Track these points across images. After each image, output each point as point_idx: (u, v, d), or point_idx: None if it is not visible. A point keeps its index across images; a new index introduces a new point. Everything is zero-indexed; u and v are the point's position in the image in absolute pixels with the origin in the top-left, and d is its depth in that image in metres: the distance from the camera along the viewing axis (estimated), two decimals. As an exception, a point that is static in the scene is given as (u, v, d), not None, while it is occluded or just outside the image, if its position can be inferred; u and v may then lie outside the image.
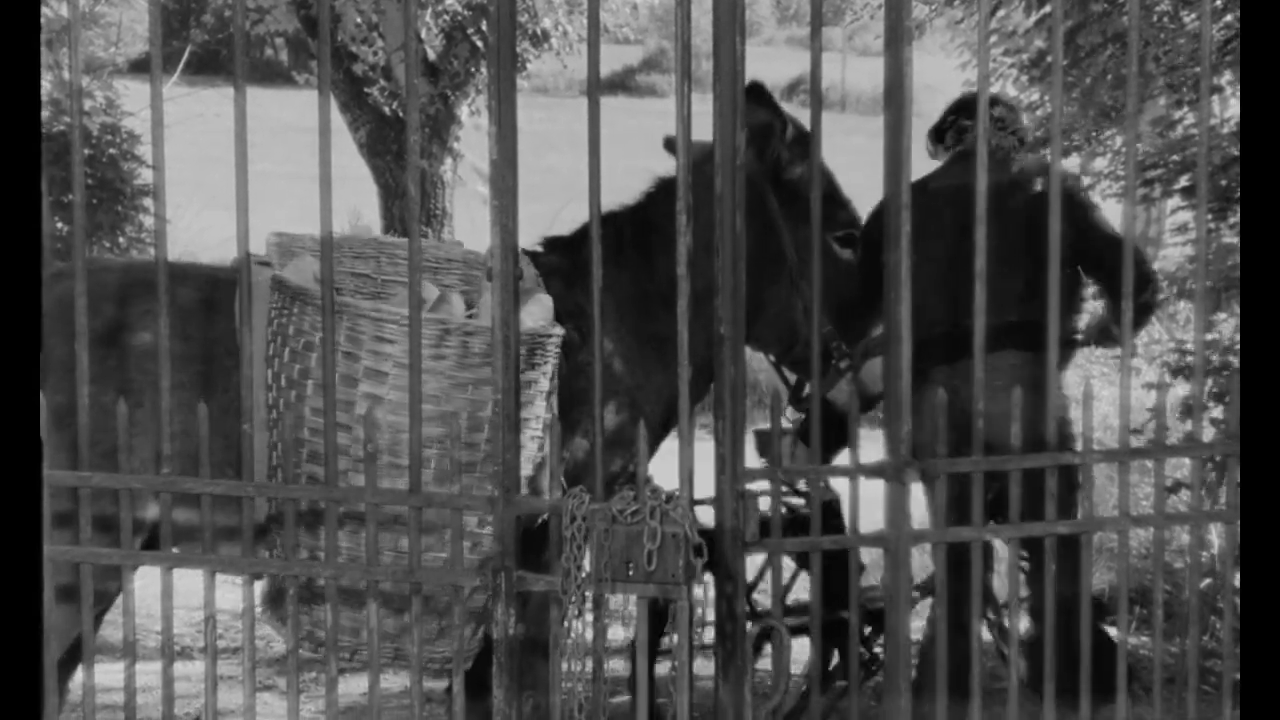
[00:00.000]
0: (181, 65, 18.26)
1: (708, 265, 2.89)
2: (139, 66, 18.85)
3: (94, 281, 3.42)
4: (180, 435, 3.19)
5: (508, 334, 2.88)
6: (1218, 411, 5.40)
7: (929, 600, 4.30)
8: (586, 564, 2.87)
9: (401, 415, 3.29)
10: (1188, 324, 9.21)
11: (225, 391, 3.61)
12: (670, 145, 4.16)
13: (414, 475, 2.99)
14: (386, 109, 11.45)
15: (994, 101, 5.59)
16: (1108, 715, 3.20)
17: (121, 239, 16.35)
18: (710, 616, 3.27)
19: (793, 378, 4.49)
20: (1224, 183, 5.21)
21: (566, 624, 2.85)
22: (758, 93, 4.03)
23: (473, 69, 11.40)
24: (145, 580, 3.55)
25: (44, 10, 12.59)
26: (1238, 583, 3.07)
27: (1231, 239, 5.61)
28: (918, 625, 4.76)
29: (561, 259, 4.06)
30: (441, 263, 4.05)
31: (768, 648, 4.51)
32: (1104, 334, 4.91)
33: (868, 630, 4.94)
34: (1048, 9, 6.57)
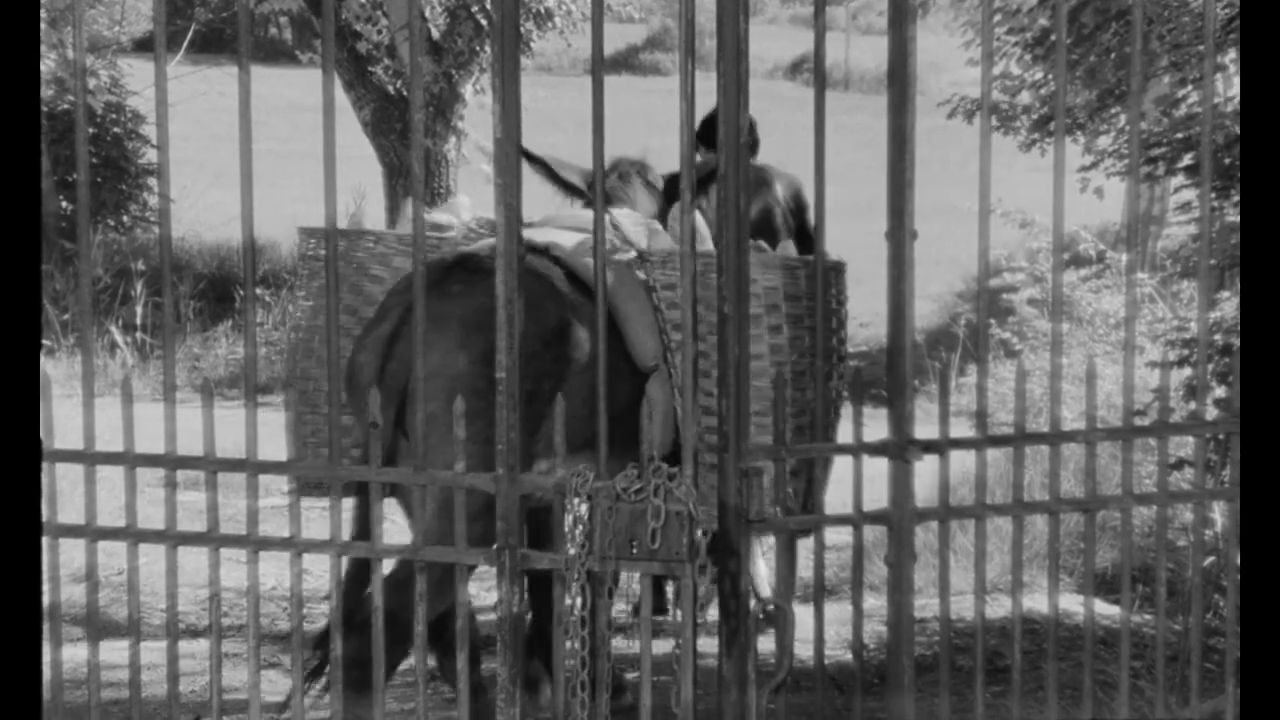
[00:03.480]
0: (186, 44, 18.23)
1: None
2: (143, 45, 18.80)
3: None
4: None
5: (511, 313, 2.89)
6: (1221, 391, 5.39)
7: None
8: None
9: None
10: (1191, 302, 9.20)
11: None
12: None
13: (419, 453, 3.00)
14: (390, 88, 11.43)
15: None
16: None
17: (125, 217, 16.38)
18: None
19: None
20: (1227, 161, 5.19)
21: (570, 601, 2.86)
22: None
23: (476, 47, 11.37)
24: (149, 559, 3.57)
25: (47, -11, 12.57)
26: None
27: (1235, 217, 5.59)
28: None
29: None
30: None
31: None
32: None
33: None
34: (1052, -13, 6.55)
